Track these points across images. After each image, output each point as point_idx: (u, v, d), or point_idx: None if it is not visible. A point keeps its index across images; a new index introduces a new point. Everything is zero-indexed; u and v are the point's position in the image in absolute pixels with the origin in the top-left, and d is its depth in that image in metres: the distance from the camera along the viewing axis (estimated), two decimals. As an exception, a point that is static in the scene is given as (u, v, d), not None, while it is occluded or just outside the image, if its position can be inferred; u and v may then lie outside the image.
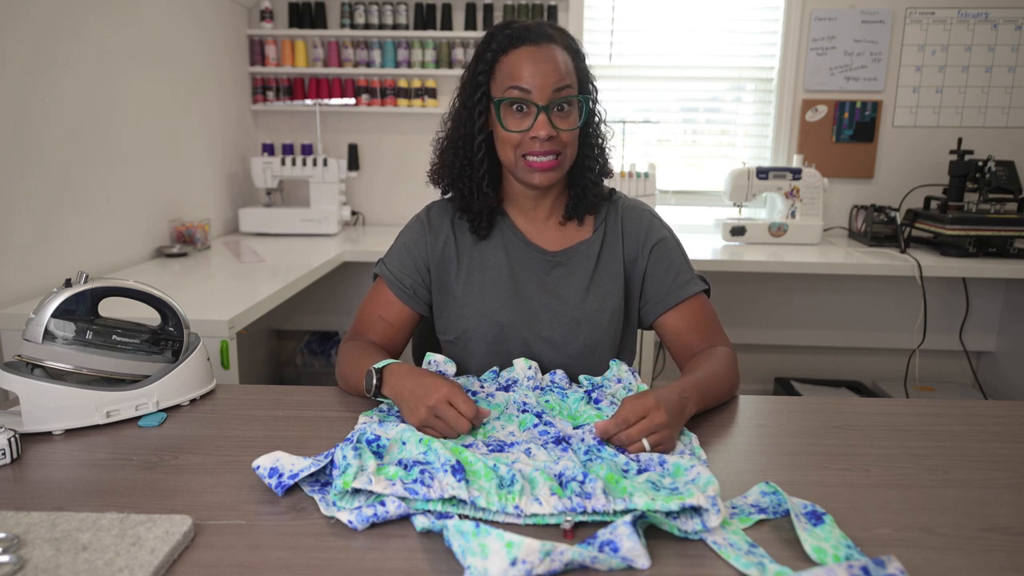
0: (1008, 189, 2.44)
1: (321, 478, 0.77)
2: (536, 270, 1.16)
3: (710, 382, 1.00)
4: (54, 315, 0.92)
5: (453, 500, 0.71)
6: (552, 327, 1.13)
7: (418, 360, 1.22)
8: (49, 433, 0.90)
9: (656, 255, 1.17)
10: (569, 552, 0.61)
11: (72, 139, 1.79)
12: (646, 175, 2.62)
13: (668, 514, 0.68)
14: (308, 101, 2.86)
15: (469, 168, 1.12)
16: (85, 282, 0.94)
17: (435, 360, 1.08)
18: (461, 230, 1.18)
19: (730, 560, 0.63)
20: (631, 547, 0.63)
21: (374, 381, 0.96)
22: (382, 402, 1.00)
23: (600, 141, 1.16)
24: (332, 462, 0.76)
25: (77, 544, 0.63)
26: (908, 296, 2.77)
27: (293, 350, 3.12)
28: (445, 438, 0.86)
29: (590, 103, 1.11)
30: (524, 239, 1.17)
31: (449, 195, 1.19)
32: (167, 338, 1.03)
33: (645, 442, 0.82)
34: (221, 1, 2.61)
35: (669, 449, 0.84)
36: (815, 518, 0.69)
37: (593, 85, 1.13)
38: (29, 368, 0.91)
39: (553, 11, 2.76)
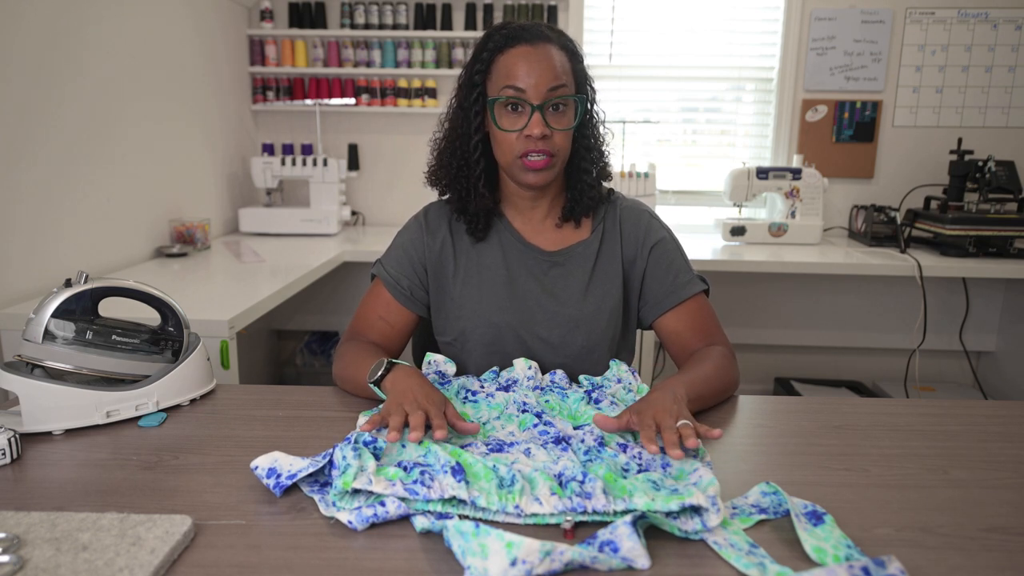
0: (1008, 189, 2.44)
1: (320, 478, 0.77)
2: (534, 270, 1.15)
3: (703, 380, 0.99)
4: (54, 315, 0.91)
5: (453, 500, 0.71)
6: (550, 328, 1.13)
7: (418, 360, 1.22)
8: (49, 433, 0.90)
9: (655, 256, 1.16)
10: (569, 552, 0.61)
11: (72, 139, 1.79)
12: (646, 175, 2.62)
13: (668, 514, 0.68)
14: (308, 101, 2.86)
15: (466, 168, 1.12)
16: (85, 282, 0.94)
17: (435, 360, 1.08)
18: (458, 231, 1.18)
19: (731, 560, 0.63)
20: (631, 547, 0.63)
21: (380, 371, 0.96)
22: (379, 401, 1.00)
23: (597, 143, 1.16)
24: (331, 462, 0.76)
25: (77, 544, 0.63)
26: (908, 296, 2.77)
27: (293, 350, 3.12)
28: (392, 428, 0.82)
29: (586, 103, 1.11)
30: (521, 239, 1.16)
31: (447, 196, 1.19)
32: (167, 338, 1.03)
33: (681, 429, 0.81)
34: (221, 1, 2.61)
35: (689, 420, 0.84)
36: (815, 518, 0.69)
37: (591, 87, 1.13)
38: (29, 368, 0.91)
39: (553, 11, 2.76)
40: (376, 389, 0.96)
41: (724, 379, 1.03)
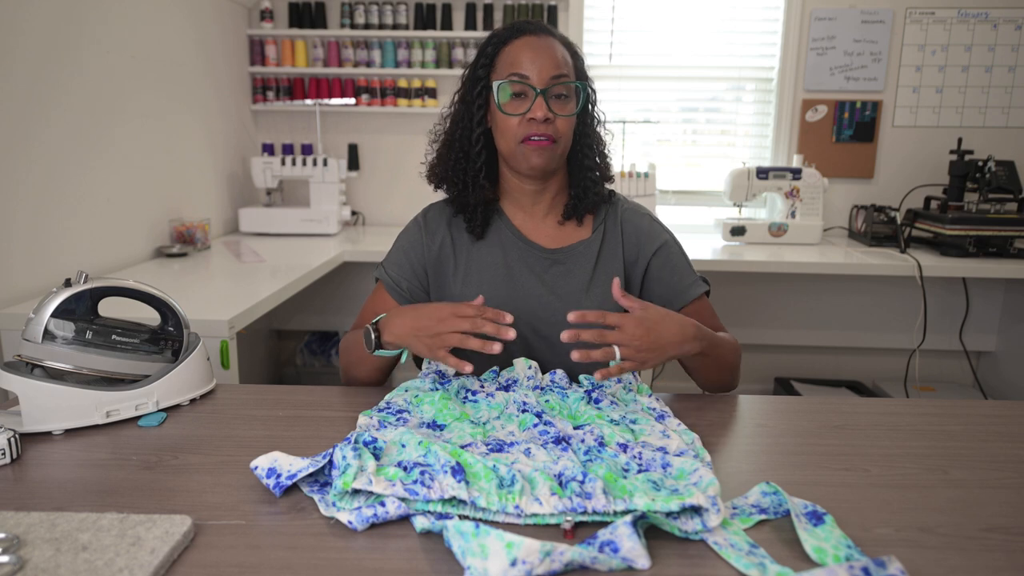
0: (1008, 189, 2.44)
1: (320, 478, 0.77)
2: (534, 267, 1.16)
3: (719, 343, 1.05)
4: (54, 315, 0.91)
5: (453, 500, 0.71)
6: (551, 326, 1.13)
7: (418, 361, 1.22)
8: (49, 433, 0.90)
9: (659, 259, 1.17)
10: (569, 552, 0.61)
11: (72, 139, 1.79)
12: (646, 175, 2.62)
13: (668, 514, 0.68)
14: (308, 101, 2.86)
15: (466, 161, 1.13)
16: (85, 282, 0.94)
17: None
18: (458, 230, 1.18)
19: (731, 560, 0.63)
20: (631, 547, 0.63)
21: (373, 336, 0.97)
22: (382, 401, 1.00)
23: (599, 146, 1.17)
24: (331, 462, 0.76)
25: (77, 544, 0.63)
26: (908, 296, 2.77)
27: (293, 350, 3.12)
28: (468, 346, 0.91)
29: (587, 92, 1.13)
30: (521, 236, 1.17)
31: (446, 194, 1.19)
32: (167, 338, 1.03)
33: (616, 349, 0.90)
34: (221, 1, 2.61)
35: (635, 366, 0.92)
36: (815, 518, 0.69)
37: (591, 88, 1.14)
38: (29, 368, 0.91)
39: (553, 11, 2.76)
40: (385, 353, 0.97)
41: (731, 359, 1.08)
